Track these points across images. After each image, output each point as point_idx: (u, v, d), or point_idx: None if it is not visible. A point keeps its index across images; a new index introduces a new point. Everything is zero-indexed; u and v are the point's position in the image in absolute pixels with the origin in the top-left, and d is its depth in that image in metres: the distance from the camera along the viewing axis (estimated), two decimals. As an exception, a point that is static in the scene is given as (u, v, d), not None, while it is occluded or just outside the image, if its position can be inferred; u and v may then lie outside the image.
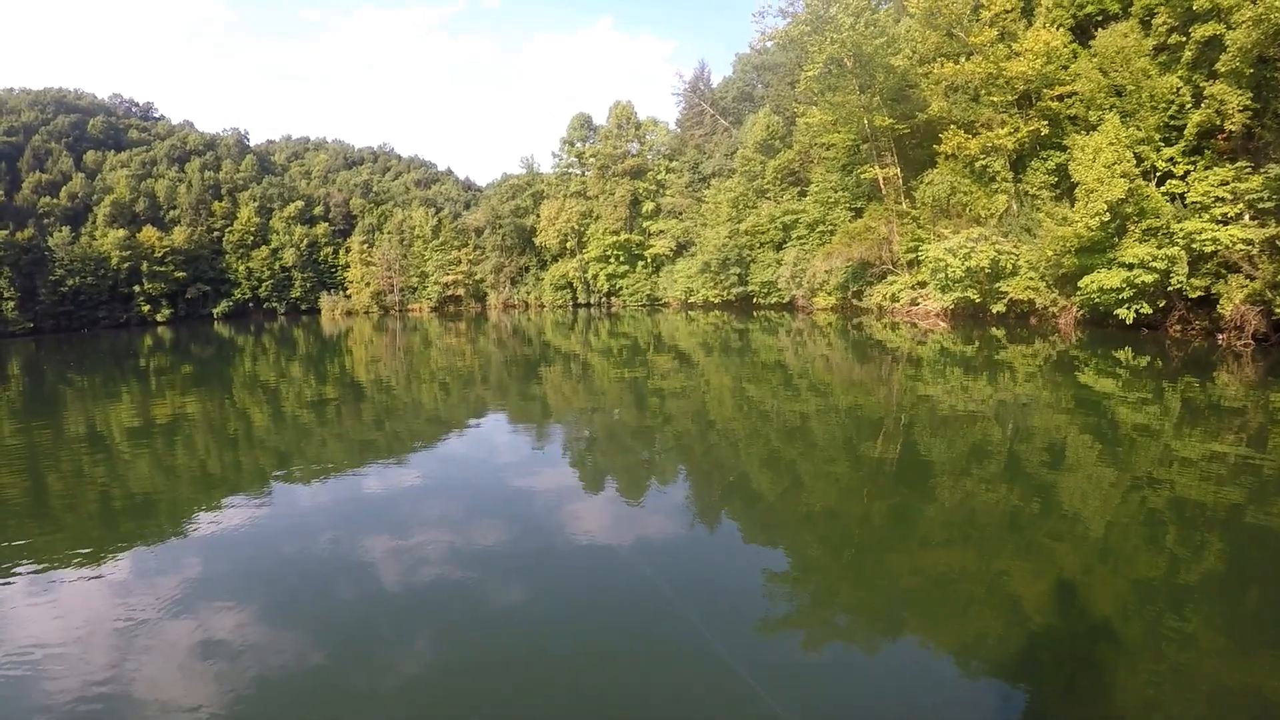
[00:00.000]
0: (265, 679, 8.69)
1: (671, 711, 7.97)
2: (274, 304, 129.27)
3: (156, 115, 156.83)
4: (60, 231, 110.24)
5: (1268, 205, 31.48)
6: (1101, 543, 11.99)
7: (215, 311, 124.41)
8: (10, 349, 78.36)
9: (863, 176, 59.86)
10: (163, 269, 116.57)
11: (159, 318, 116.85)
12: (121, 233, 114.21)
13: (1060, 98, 44.49)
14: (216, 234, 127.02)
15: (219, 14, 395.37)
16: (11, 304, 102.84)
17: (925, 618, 9.96)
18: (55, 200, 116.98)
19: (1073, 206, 38.72)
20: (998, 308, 44.76)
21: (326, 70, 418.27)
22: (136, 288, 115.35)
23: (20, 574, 12.29)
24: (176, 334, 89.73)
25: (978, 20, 46.82)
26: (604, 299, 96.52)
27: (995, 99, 46.56)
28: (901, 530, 13.36)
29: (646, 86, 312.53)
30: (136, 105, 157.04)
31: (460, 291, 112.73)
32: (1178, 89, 37.39)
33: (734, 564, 12.02)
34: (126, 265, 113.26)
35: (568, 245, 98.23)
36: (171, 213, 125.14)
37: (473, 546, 12.72)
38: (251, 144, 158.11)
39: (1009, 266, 43.67)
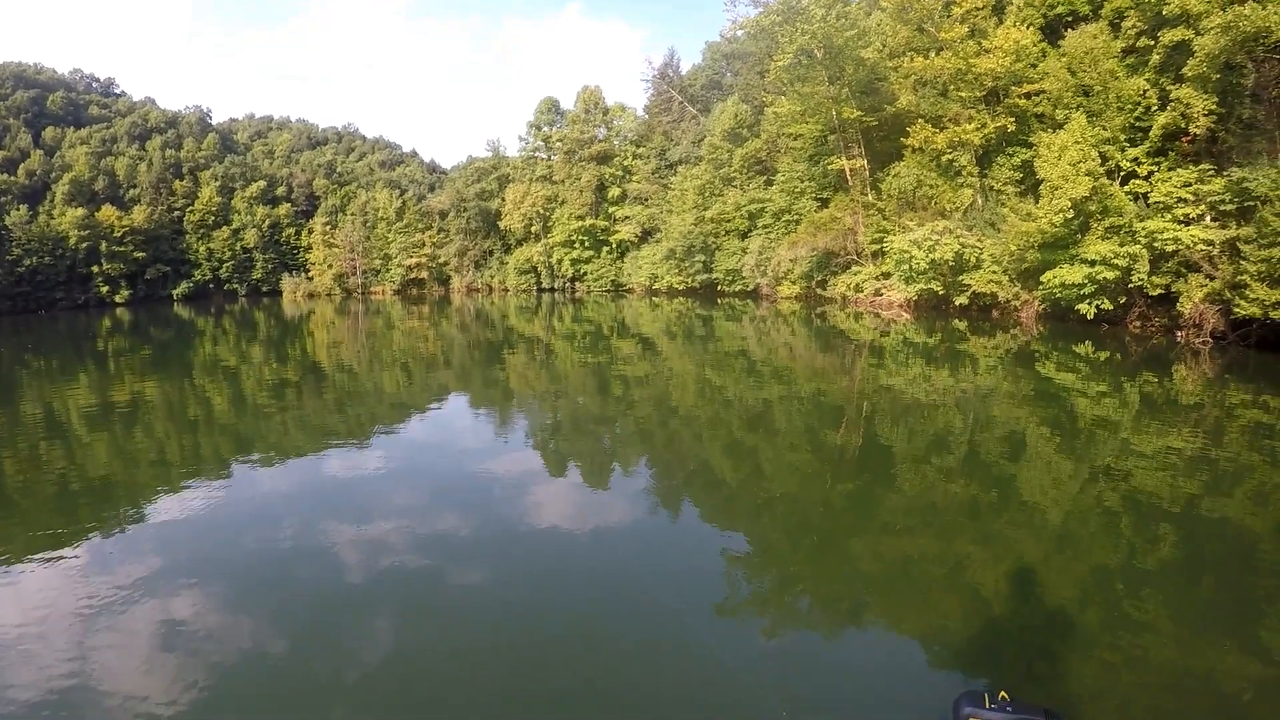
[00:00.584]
0: (227, 666, 8.57)
1: (636, 691, 7.94)
2: (235, 285, 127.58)
3: (118, 91, 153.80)
4: (18, 210, 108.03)
5: (1229, 208, 31.82)
6: (1059, 531, 12.08)
7: (175, 293, 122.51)
8: (-37, 331, 77.11)
9: (829, 167, 59.92)
10: (122, 249, 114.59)
11: (118, 299, 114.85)
12: (80, 212, 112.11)
13: (1028, 95, 44.73)
14: (177, 214, 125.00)
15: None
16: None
17: (886, 603, 10.00)
18: (13, 178, 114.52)
19: (1037, 203, 38.96)
20: (960, 300, 45.02)
21: (292, 50, 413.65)
22: (95, 268, 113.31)
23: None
24: (135, 316, 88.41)
25: (949, 16, 46.97)
26: (568, 284, 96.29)
27: (963, 94, 46.75)
28: (863, 517, 13.40)
29: (616, 73, 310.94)
30: (98, 81, 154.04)
31: (424, 274, 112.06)
32: (1144, 91, 37.69)
33: (697, 549, 12.00)
34: (85, 245, 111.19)
35: (532, 229, 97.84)
36: (131, 191, 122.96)
37: (435, 532, 12.62)
38: (214, 122, 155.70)
39: (972, 260, 43.93)
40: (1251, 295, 28.43)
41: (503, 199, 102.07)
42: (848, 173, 58.19)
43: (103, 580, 11.02)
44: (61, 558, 12.10)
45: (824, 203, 61.40)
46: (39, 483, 17.05)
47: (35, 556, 12.16)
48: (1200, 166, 34.16)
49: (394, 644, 9.00)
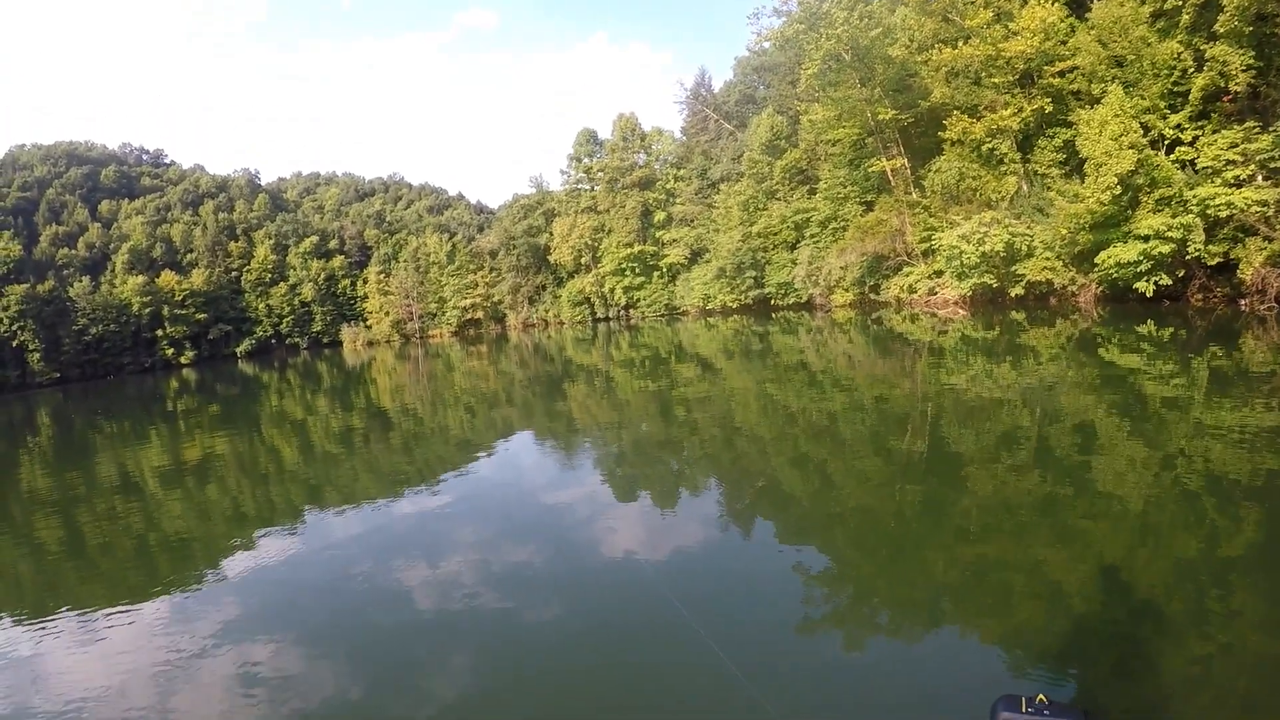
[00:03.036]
0: (305, 712, 8.76)
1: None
2: (296, 339, 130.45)
3: (167, 161, 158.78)
4: (80, 281, 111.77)
5: (1279, 164, 31.22)
6: (1139, 521, 11.90)
7: (238, 350, 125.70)
8: (38, 399, 79.39)
9: (870, 170, 59.75)
10: (184, 312, 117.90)
11: (183, 360, 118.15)
12: (140, 279, 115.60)
13: (1061, 73, 44.31)
14: (234, 273, 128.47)
15: (223, 57, 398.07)
16: (37, 355, 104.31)
17: (967, 610, 9.92)
18: (73, 251, 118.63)
19: (1083, 182, 38.48)
20: (1016, 291, 44.52)
21: (332, 105, 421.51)
22: (159, 332, 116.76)
23: (60, 621, 12.45)
24: (201, 375, 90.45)
25: (972, 3, 46.71)
26: (622, 311, 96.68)
27: (996, 80, 46.41)
28: (936, 523, 13.29)
29: (648, 96, 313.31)
30: (147, 152, 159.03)
31: (479, 314, 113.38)
32: (1178, 54, 37.12)
33: (769, 568, 11.98)
34: (148, 310, 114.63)
35: (582, 261, 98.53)
36: (189, 255, 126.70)
37: (507, 568, 12.76)
38: (263, 183, 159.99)
39: (1024, 248, 43.45)
40: (1314, 253, 27.85)
41: (550, 233, 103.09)
42: (889, 173, 57.97)
43: (182, 633, 11.33)
44: (141, 612, 12.46)
45: (869, 206, 61.22)
46: (117, 540, 17.56)
47: (116, 611, 12.55)
48: (1245, 125, 33.57)
49: (471, 682, 9.14)
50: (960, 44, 47.18)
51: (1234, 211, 32.04)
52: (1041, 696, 4.04)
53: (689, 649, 9.49)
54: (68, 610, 13.01)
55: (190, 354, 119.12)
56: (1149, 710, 7.17)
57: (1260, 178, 32.51)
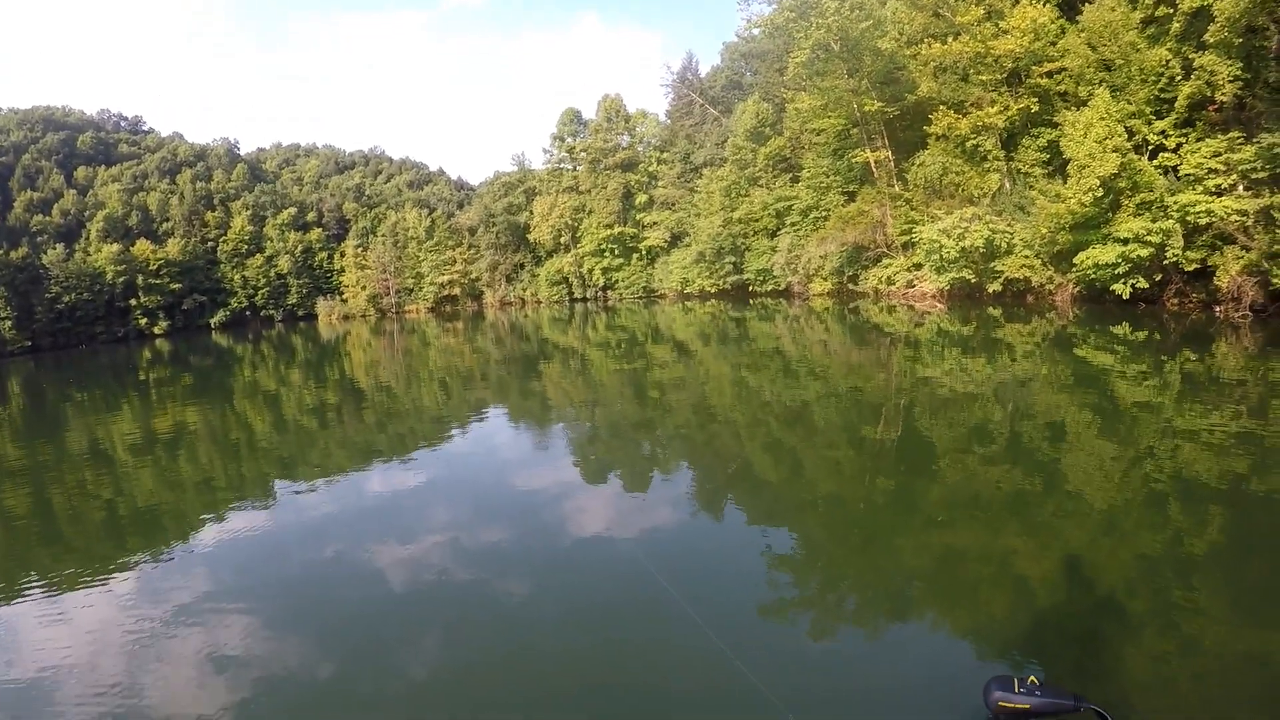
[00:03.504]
0: (274, 687, 8.69)
1: (685, 706, 7.96)
2: (271, 311, 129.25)
3: (145, 128, 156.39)
4: (54, 249, 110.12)
5: (1261, 175, 31.35)
6: (1105, 518, 11.96)
7: (213, 321, 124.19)
8: (9, 367, 78.47)
9: (854, 160, 59.67)
10: (158, 281, 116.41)
11: (157, 330, 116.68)
12: (115, 247, 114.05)
13: (1049, 74, 44.38)
14: (210, 244, 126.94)
15: (205, 27, 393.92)
16: (9, 323, 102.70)
17: (933, 599, 9.95)
18: (48, 218, 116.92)
19: (1065, 183, 38.61)
20: (994, 287, 44.65)
21: (315, 77, 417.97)
22: (133, 301, 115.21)
23: (29, 593, 12.32)
24: (175, 346, 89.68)
25: (964, -1, 46.72)
26: (600, 293, 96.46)
27: (984, 78, 46.40)
28: (906, 512, 13.33)
29: (634, 79, 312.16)
30: (125, 119, 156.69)
31: (456, 291, 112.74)
32: (1167, 61, 37.24)
33: (739, 552, 11.98)
34: (122, 279, 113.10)
35: (562, 240, 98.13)
36: (165, 225, 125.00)
37: (478, 546, 12.70)
38: (242, 152, 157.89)
39: (1003, 245, 43.56)
40: (1289, 264, 28.05)
41: (530, 212, 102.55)
42: (873, 165, 57.95)
43: (151, 606, 11.22)
44: (110, 584, 12.34)
45: (851, 196, 61.16)
46: (87, 511, 17.38)
47: (84, 583, 12.43)
48: (1229, 135, 33.70)
49: (440, 660, 9.09)
50: (950, 40, 47.12)
51: (1213, 219, 32.23)
52: (1033, 678, 4.03)
53: (667, 625, 9.48)
54: (36, 581, 12.89)
55: (164, 324, 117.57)
56: (1111, 703, 7.19)
57: (1241, 187, 32.70)
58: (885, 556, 11.53)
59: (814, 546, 12.14)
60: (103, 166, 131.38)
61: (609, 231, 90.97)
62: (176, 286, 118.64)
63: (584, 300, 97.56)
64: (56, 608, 11.52)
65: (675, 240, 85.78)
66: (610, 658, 8.93)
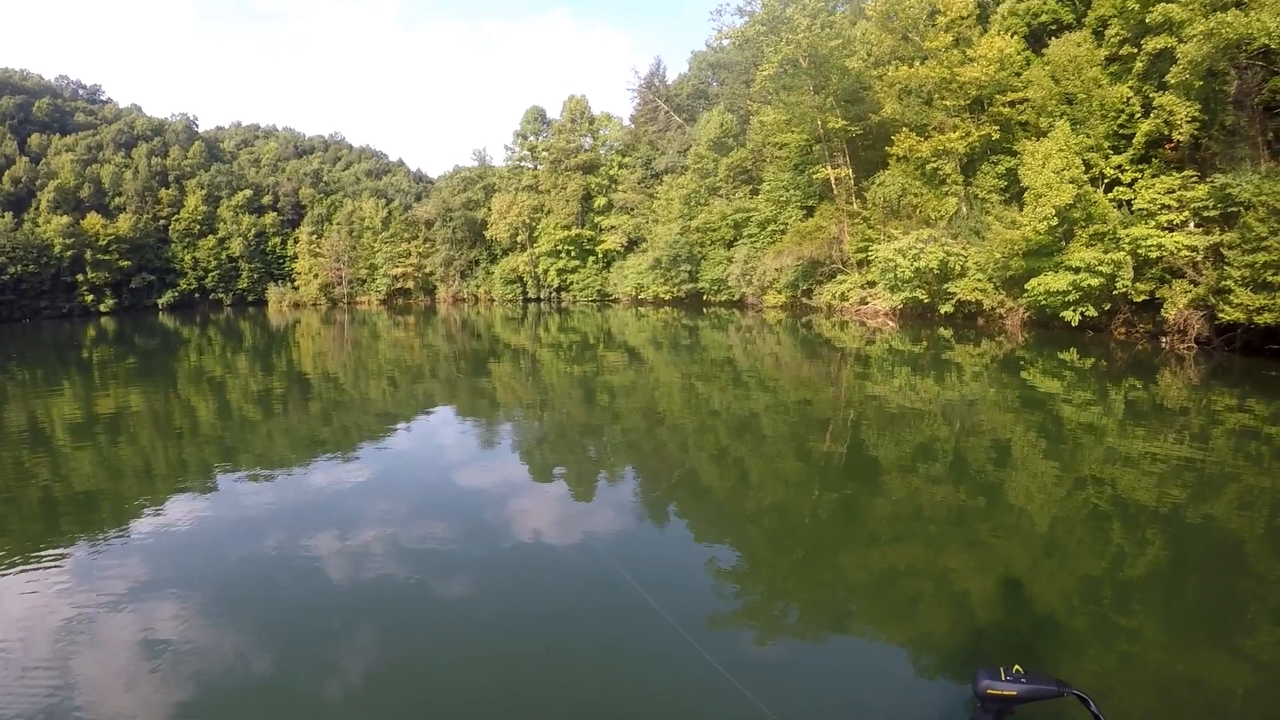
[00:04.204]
0: (208, 679, 8.38)
1: (621, 703, 7.84)
2: (220, 295, 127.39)
3: (104, 98, 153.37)
4: (2, 218, 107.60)
5: (1212, 214, 31.96)
6: (1046, 538, 12.01)
7: (160, 302, 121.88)
8: (-53, 338, 76.70)
9: (815, 176, 60.02)
10: (107, 258, 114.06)
11: (102, 308, 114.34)
12: (65, 219, 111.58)
13: (1012, 104, 44.91)
14: (162, 222, 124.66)
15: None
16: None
17: (873, 613, 9.89)
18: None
19: (1021, 210, 39.10)
20: (946, 308, 45.04)
21: (278, 57, 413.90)
22: (80, 277, 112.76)
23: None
24: (120, 325, 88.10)
25: (933, 25, 47.03)
26: (554, 294, 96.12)
27: (948, 103, 46.85)
28: (850, 526, 13.30)
29: (601, 81, 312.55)
30: (84, 88, 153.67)
31: (409, 284, 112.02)
32: (1128, 99, 37.83)
33: (683, 560, 11.86)
34: (70, 254, 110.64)
35: (518, 239, 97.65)
36: (117, 199, 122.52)
37: (419, 544, 12.45)
38: (200, 130, 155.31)
39: (957, 268, 43.95)
40: (1235, 300, 28.50)
41: (489, 209, 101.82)
42: (833, 181, 58.32)
43: (85, 592, 10.83)
44: (43, 569, 11.90)
45: (809, 211, 61.52)
46: (21, 493, 16.80)
47: (16, 567, 11.97)
48: (1184, 173, 34.37)
49: (377, 657, 8.85)
50: (917, 64, 47.52)
51: (1164, 253, 32.75)
52: (1017, 666, 4.06)
53: (606, 624, 9.38)
54: (-36, 561, 12.47)
55: (110, 302, 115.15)
56: None
57: (1192, 224, 33.30)
58: (825, 571, 11.47)
59: (756, 559, 12.03)
60: (57, 135, 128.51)
61: (566, 233, 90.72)
62: (125, 264, 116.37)
63: (538, 300, 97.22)
64: (-17, 588, 11.15)
65: (632, 245, 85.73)
66: (543, 655, 8.78)
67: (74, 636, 9.50)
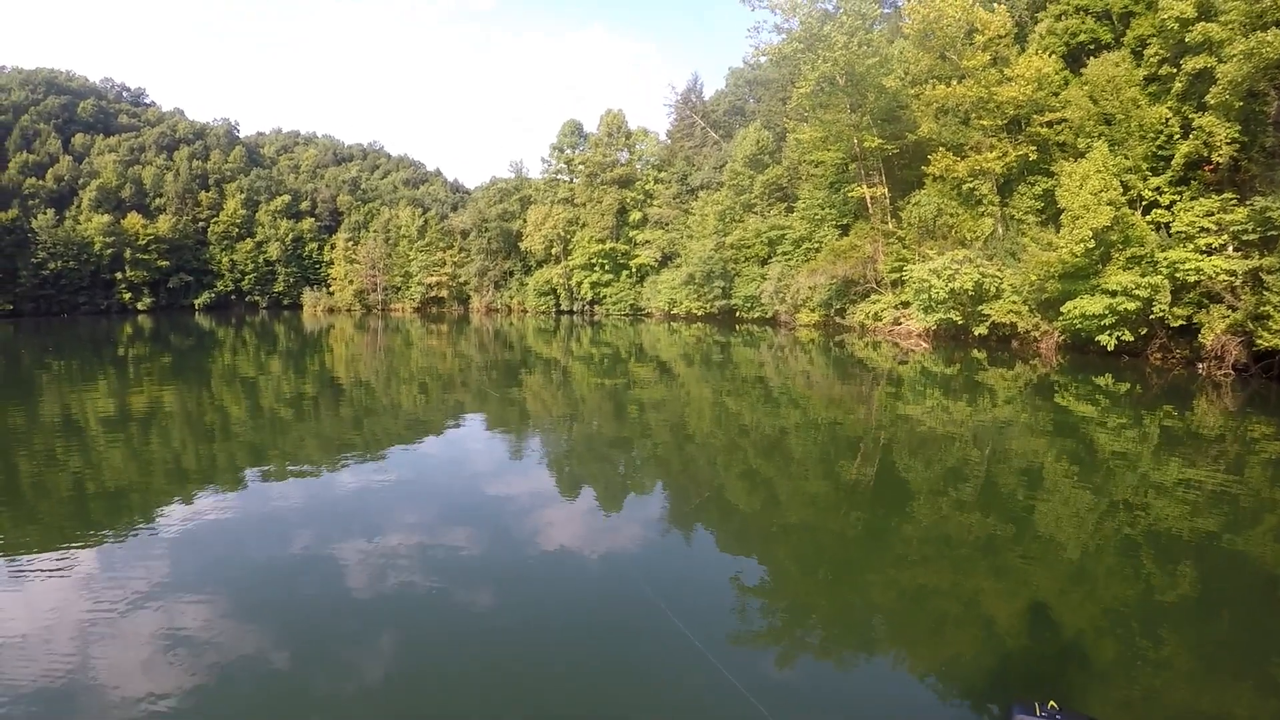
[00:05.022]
0: (228, 676, 8.50)
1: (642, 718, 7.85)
2: (256, 297, 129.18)
3: (147, 101, 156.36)
4: (45, 214, 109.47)
5: (1251, 237, 31.61)
6: (1076, 566, 11.91)
7: (196, 302, 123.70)
8: (-11, 330, 77.92)
9: (850, 195, 59.92)
10: (146, 257, 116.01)
11: (140, 306, 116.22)
12: (106, 218, 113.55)
13: (1050, 124, 44.64)
14: (201, 224, 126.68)
15: (212, 5, 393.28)
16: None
17: (899, 636, 9.85)
18: (41, 182, 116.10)
19: (1058, 232, 38.82)
20: (979, 330, 44.77)
21: (318, 64, 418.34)
22: (118, 275, 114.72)
23: (-15, 560, 12.08)
24: (157, 323, 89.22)
25: (971, 44, 46.87)
26: (587, 307, 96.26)
27: (985, 123, 46.63)
28: (877, 548, 13.24)
29: (638, 95, 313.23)
30: (128, 90, 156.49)
31: (444, 293, 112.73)
32: (1167, 119, 37.54)
33: (707, 578, 11.85)
34: (110, 251, 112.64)
35: (553, 251, 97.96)
36: (157, 200, 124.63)
37: (445, 552, 12.51)
38: (241, 135, 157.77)
39: (992, 289, 43.68)
40: (1274, 326, 28.23)
41: (524, 220, 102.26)
42: (868, 200, 58.14)
43: (110, 585, 10.99)
44: (71, 560, 12.09)
45: (844, 230, 61.38)
46: (54, 484, 17.03)
47: (45, 557, 12.18)
48: (1223, 195, 34.02)
49: (397, 662, 8.91)
50: (954, 82, 47.35)
51: (1202, 277, 32.44)
52: (1052, 703, 4.07)
53: (632, 638, 9.39)
54: (-4, 551, 12.65)
55: (148, 300, 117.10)
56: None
57: (1231, 248, 32.95)
58: (851, 592, 11.44)
59: (782, 578, 12.02)
60: (101, 135, 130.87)
61: (601, 246, 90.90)
62: (164, 264, 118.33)
63: (570, 313, 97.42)
64: (14, 581, 11.28)
65: (666, 260, 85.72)
66: (561, 665, 8.80)
67: (95, 627, 9.66)
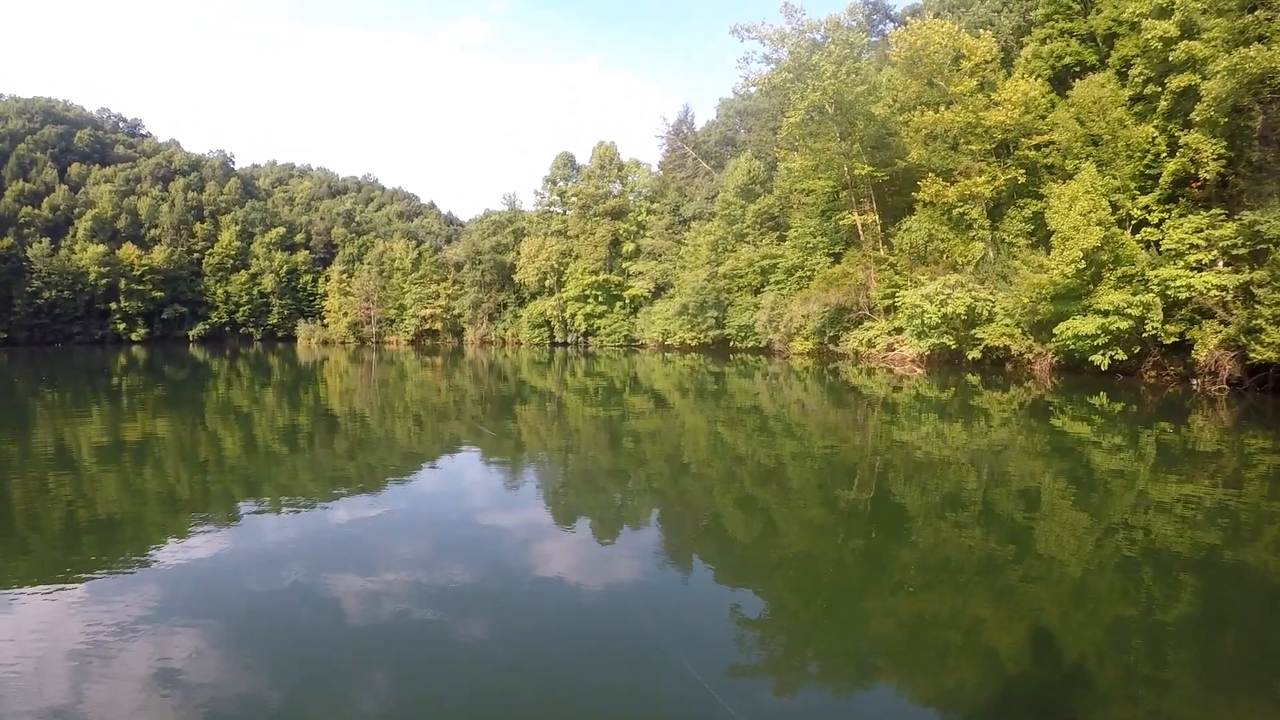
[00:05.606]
0: (222, 711, 8.33)
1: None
2: (250, 329, 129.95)
3: (143, 132, 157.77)
4: (40, 243, 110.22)
5: (1241, 252, 31.81)
6: (1077, 587, 11.81)
7: (191, 334, 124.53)
8: (-18, 359, 77.87)
9: (841, 222, 60.21)
10: (140, 288, 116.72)
11: (134, 336, 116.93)
12: (101, 248, 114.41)
13: (1038, 147, 44.99)
14: (196, 255, 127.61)
15: (208, 37, 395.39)
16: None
17: (900, 665, 9.73)
18: (36, 211, 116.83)
19: (1049, 254, 38.96)
20: (973, 354, 44.84)
21: (313, 97, 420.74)
22: (113, 305, 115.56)
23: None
24: (151, 354, 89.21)
25: (958, 70, 47.28)
26: (581, 338, 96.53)
27: (974, 147, 46.95)
28: (876, 576, 13.13)
29: (629, 128, 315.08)
30: (124, 121, 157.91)
31: (438, 325, 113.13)
32: (1153, 138, 37.83)
33: (707, 608, 11.73)
34: (104, 282, 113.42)
35: (547, 283, 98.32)
36: (152, 231, 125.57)
37: (440, 585, 12.39)
38: (236, 167, 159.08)
39: (985, 313, 43.81)
40: (1267, 339, 28.28)
41: (518, 252, 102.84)
42: (860, 228, 58.42)
43: (102, 616, 10.81)
44: (63, 590, 11.94)
45: (836, 258, 61.71)
46: (46, 514, 16.87)
47: (36, 588, 12.02)
48: (1211, 211, 34.32)
49: (392, 696, 8.77)
50: (942, 108, 47.72)
51: (1193, 294, 32.62)
52: None
53: (627, 671, 9.28)
54: (-16, 579, 12.52)
55: (142, 331, 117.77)
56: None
57: (1221, 263, 33.14)
58: (851, 621, 11.31)
59: (781, 608, 11.88)
60: (97, 165, 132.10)
61: (594, 278, 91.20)
62: (158, 294, 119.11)
63: (564, 344, 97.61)
64: (4, 611, 11.17)
65: (659, 291, 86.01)
66: (564, 698, 8.68)
67: (87, 659, 9.48)
